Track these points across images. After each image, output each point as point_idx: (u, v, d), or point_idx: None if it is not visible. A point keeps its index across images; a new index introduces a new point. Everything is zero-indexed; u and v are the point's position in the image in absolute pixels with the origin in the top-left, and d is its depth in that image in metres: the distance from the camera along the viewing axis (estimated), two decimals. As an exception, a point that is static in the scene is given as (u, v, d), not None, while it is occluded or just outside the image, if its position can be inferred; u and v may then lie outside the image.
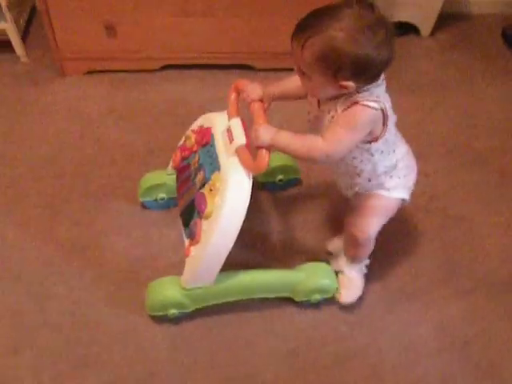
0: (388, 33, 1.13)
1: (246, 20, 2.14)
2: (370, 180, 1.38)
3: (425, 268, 1.67)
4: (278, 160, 1.81)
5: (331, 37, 1.10)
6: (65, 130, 2.07)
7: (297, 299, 1.55)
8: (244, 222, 1.31)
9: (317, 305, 1.57)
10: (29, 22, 2.51)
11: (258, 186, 1.85)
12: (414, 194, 1.82)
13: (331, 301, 1.57)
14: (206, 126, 1.51)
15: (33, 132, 2.07)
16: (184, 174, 1.57)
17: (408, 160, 1.41)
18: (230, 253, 1.36)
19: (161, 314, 1.49)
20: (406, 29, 2.59)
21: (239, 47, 2.24)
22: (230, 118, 1.40)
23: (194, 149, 1.53)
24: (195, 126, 1.59)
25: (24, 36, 2.42)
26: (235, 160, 1.32)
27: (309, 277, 1.52)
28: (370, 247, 1.52)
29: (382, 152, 1.31)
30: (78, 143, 2.02)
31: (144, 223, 1.77)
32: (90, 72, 2.29)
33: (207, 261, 1.38)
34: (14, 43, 2.30)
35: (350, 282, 1.56)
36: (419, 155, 1.98)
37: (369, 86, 1.20)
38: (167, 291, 1.47)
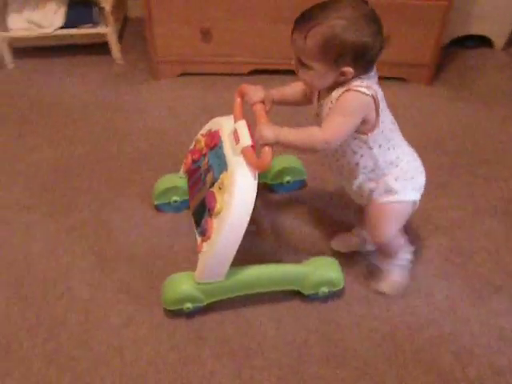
0: (379, 23, 1.25)
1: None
2: (375, 181, 1.45)
3: (510, 265, 1.76)
4: (285, 162, 1.92)
5: (333, 25, 1.21)
6: (163, 126, 2.24)
7: (305, 292, 1.62)
8: (252, 220, 1.41)
9: (410, 292, 1.67)
10: (121, 29, 2.71)
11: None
12: (491, 197, 1.93)
13: (425, 289, 1.67)
14: (214, 129, 1.61)
15: (133, 128, 2.24)
16: (195, 175, 1.67)
17: (414, 161, 1.48)
18: (239, 249, 1.45)
19: (177, 308, 1.58)
20: (480, 41, 2.69)
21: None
22: (235, 120, 1.49)
23: (204, 151, 1.63)
24: (204, 130, 1.69)
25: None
26: (241, 159, 1.41)
27: (316, 270, 1.60)
28: (394, 246, 1.60)
29: (381, 146, 1.39)
30: (175, 139, 2.18)
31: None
32: (181, 74, 2.45)
33: (218, 255, 1.46)
34: (112, 46, 2.49)
35: (386, 275, 1.65)
36: (494, 162, 2.09)
37: (362, 77, 1.29)
38: (182, 286, 1.55)
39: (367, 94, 1.28)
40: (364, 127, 1.34)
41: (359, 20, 1.22)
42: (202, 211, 1.56)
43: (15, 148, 2.18)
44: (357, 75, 1.29)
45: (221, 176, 1.47)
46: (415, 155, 1.49)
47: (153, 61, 2.40)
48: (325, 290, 1.61)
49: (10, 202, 1.97)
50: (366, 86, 1.28)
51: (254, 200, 1.40)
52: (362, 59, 1.26)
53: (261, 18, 2.26)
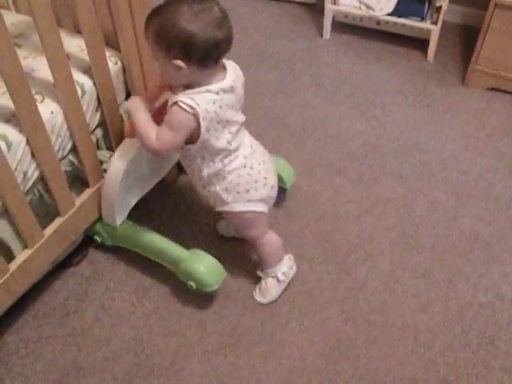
0: (217, 18, 1.26)
1: None
2: (207, 189, 1.50)
3: None
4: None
5: (163, 17, 1.26)
6: (468, 133, 2.27)
7: (179, 277, 1.67)
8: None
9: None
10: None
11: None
12: None
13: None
14: None
15: (438, 127, 2.30)
16: None
17: (249, 175, 1.47)
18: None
19: (90, 234, 1.79)
20: None
21: None
22: None
23: None
24: None
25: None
26: None
27: (191, 262, 1.62)
28: (264, 253, 1.64)
29: (204, 158, 1.42)
30: (479, 149, 2.20)
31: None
32: (490, 88, 2.44)
33: (103, 196, 1.65)
34: (431, 44, 2.53)
35: (263, 286, 1.70)
36: None
37: (198, 87, 1.31)
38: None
39: (189, 112, 1.30)
40: (189, 139, 1.37)
41: (188, 14, 1.24)
42: None
43: (328, 113, 2.37)
44: (193, 71, 1.29)
45: None
46: (258, 168, 1.48)
47: (468, 67, 2.42)
48: (192, 284, 1.64)
49: (322, 162, 2.15)
50: (190, 105, 1.29)
51: (126, 162, 1.53)
52: (191, 52, 1.26)
53: None
